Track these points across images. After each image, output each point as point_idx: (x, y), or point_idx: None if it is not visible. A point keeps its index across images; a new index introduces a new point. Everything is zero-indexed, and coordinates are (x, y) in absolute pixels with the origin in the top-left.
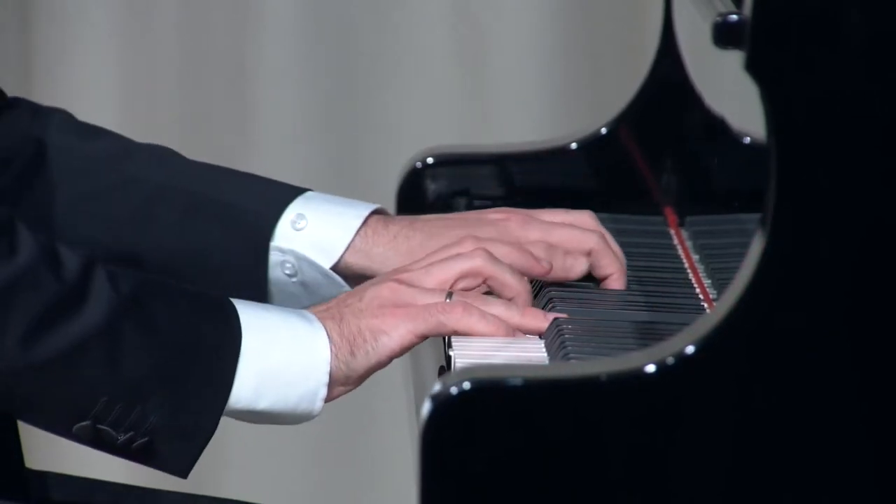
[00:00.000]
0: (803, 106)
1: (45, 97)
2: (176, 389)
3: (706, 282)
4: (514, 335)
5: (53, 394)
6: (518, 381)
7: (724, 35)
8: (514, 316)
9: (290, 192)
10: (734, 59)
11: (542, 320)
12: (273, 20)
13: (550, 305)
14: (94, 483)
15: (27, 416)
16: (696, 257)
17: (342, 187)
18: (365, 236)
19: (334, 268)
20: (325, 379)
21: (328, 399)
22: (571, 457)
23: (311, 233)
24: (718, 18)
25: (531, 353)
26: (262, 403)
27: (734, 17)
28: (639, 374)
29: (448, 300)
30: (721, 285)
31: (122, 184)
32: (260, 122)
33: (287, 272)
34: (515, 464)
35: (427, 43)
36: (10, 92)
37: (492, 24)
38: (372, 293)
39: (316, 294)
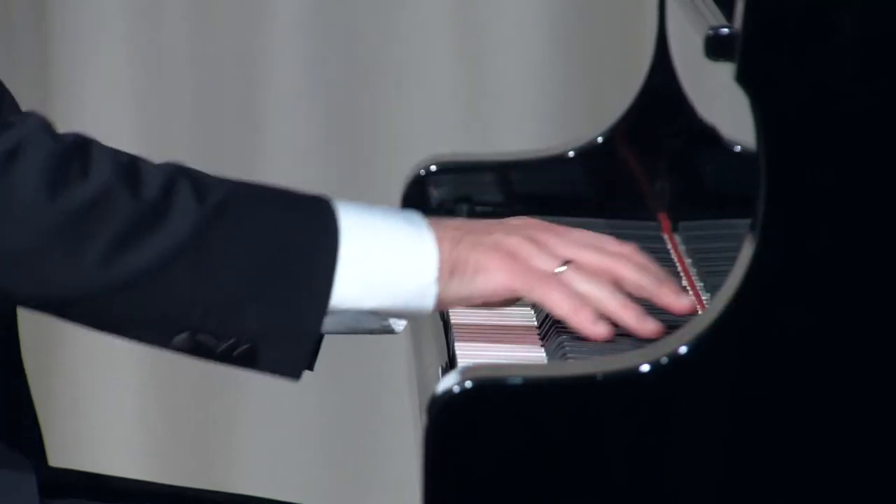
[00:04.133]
0: (794, 116)
1: (61, 104)
2: (273, 294)
3: (699, 284)
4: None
5: (146, 310)
6: (518, 381)
7: (716, 47)
8: (622, 311)
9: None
10: (726, 70)
11: (652, 324)
12: (282, 27)
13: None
14: (113, 480)
15: (128, 334)
16: (688, 261)
17: (347, 194)
18: None
19: None
20: (434, 289)
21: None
22: (569, 454)
23: None
24: (710, 31)
25: (530, 352)
26: (370, 303)
27: (725, 30)
28: (634, 374)
29: (562, 270)
30: (713, 288)
31: None
32: (266, 132)
33: None
34: (515, 461)
35: (429, 49)
36: (26, 100)
37: (493, 27)
38: (500, 236)
39: None
